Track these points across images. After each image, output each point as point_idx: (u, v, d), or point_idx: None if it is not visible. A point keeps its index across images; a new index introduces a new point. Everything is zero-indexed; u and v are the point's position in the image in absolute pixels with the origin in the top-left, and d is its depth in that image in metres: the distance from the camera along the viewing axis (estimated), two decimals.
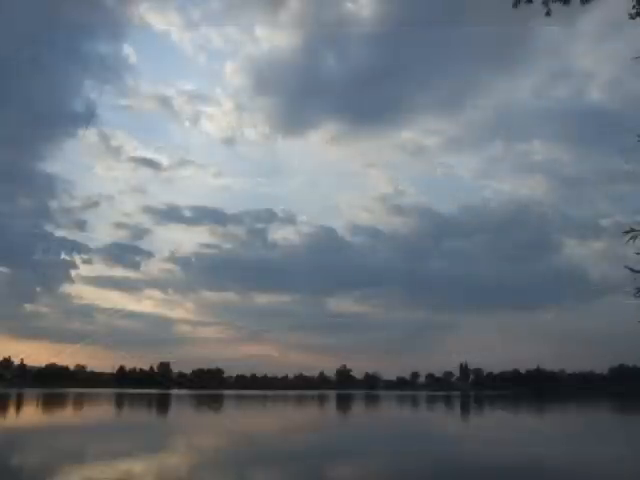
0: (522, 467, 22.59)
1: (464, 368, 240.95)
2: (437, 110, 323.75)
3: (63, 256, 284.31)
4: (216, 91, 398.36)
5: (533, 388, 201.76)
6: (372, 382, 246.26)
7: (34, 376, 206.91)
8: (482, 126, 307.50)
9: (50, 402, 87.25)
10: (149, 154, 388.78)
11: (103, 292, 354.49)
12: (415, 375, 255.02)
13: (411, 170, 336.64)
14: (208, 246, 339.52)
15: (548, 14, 8.90)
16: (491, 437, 37.35)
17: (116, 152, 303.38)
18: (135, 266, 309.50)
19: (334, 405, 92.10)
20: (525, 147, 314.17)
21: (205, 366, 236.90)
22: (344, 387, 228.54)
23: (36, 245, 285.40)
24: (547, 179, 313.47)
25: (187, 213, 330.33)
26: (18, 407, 70.50)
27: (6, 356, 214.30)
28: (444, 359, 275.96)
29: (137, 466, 21.44)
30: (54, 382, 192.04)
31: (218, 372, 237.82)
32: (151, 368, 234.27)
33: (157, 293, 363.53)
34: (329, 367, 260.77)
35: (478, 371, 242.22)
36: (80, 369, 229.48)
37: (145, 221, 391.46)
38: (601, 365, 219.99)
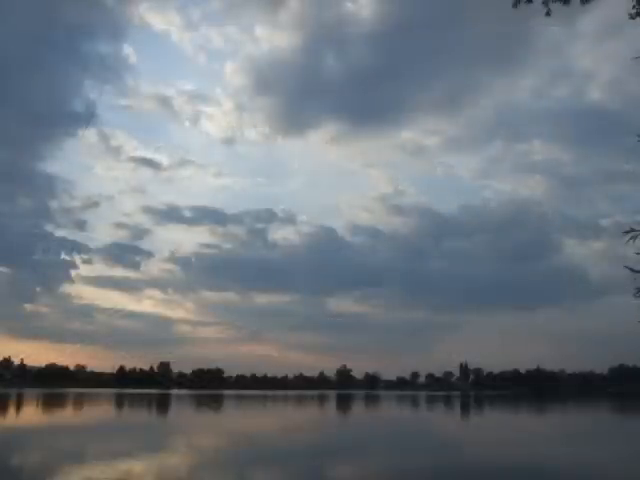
0: (522, 467, 22.58)
1: (464, 368, 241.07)
2: (437, 110, 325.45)
3: (63, 256, 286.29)
4: (216, 91, 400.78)
5: (533, 388, 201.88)
6: (372, 382, 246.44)
7: (34, 376, 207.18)
8: (482, 126, 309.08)
9: (50, 402, 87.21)
10: (149, 154, 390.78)
11: (103, 292, 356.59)
12: (415, 375, 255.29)
13: (411, 170, 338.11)
14: (208, 246, 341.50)
15: (548, 14, 8.92)
16: (491, 437, 37.34)
17: (116, 152, 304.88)
18: (135, 266, 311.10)
19: (334, 405, 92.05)
20: (525, 147, 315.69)
21: (205, 366, 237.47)
22: (344, 387, 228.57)
23: (36, 245, 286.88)
24: (547, 179, 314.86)
25: (187, 213, 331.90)
26: (18, 407, 70.46)
27: (6, 356, 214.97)
28: (444, 359, 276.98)
29: (137, 466, 21.44)
30: (54, 382, 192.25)
31: (218, 372, 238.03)
32: (151, 368, 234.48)
33: (157, 293, 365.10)
34: (329, 367, 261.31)
35: (478, 371, 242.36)
36: (80, 369, 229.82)
37: (145, 221, 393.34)
38: (601, 365, 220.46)
